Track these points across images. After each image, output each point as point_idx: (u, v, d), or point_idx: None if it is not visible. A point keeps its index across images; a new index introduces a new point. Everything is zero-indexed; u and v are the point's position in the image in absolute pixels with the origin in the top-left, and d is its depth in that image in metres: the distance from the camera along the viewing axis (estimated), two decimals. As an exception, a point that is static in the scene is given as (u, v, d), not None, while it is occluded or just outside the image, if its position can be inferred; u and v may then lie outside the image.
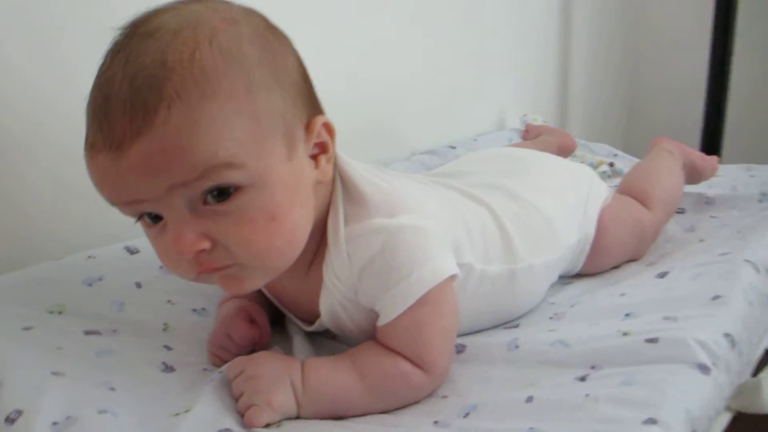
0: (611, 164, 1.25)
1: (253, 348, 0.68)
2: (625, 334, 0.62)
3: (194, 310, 0.75)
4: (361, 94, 1.18)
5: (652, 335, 0.60)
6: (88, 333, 0.68)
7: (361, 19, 1.19)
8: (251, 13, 0.56)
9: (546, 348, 0.64)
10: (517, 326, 0.72)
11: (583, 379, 0.58)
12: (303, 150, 0.57)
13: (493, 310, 0.72)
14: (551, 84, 1.62)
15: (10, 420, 0.54)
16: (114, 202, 0.54)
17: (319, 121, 0.58)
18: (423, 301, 0.59)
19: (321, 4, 1.09)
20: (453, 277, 0.62)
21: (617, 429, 0.49)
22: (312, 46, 0.60)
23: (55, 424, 0.53)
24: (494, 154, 1.00)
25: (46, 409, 0.54)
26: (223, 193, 0.52)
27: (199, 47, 0.50)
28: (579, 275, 0.85)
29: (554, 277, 0.80)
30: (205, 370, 0.66)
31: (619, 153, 1.34)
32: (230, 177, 0.51)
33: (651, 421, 0.49)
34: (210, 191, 0.51)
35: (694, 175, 1.01)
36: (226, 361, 0.64)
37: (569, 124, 1.66)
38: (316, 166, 0.58)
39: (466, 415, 0.57)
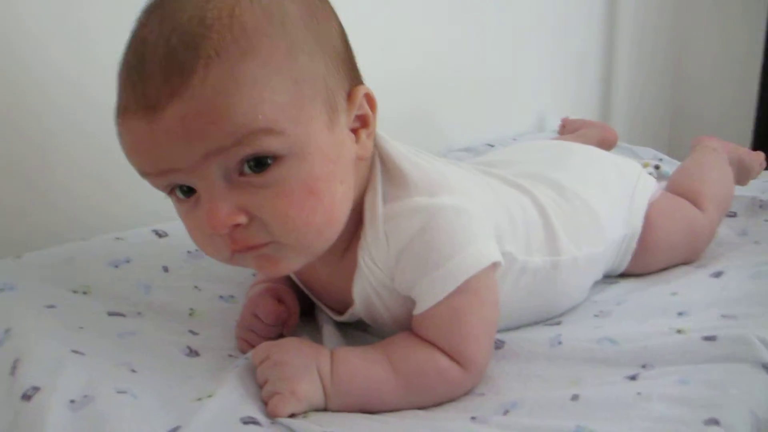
0: (657, 167, 1.20)
1: (281, 333, 0.65)
2: (679, 331, 0.58)
3: (221, 296, 0.73)
4: (400, 85, 1.16)
5: (710, 333, 0.55)
6: (111, 314, 0.66)
7: (403, 10, 1.17)
8: None
9: (592, 345, 0.60)
10: (559, 323, 0.68)
11: (633, 377, 0.54)
12: (344, 121, 0.53)
13: (533, 305, 0.68)
14: (593, 86, 1.58)
15: (26, 396, 0.52)
16: (146, 171, 0.51)
17: (361, 91, 0.54)
18: (463, 289, 0.55)
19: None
20: (496, 265, 0.58)
21: (674, 429, 0.45)
22: (351, 34, 0.57)
23: (72, 402, 0.51)
24: (538, 144, 0.96)
25: (64, 387, 0.52)
26: (260, 164, 0.49)
27: (239, 3, 0.48)
28: (625, 275, 0.80)
29: (598, 275, 0.75)
30: (230, 356, 0.63)
31: (665, 157, 1.28)
32: (269, 144, 0.48)
33: (713, 422, 0.45)
34: (247, 160, 0.48)
35: (741, 172, 0.96)
36: (253, 347, 0.61)
37: (612, 125, 1.61)
38: (357, 140, 0.55)
39: (506, 412, 0.53)
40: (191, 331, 0.66)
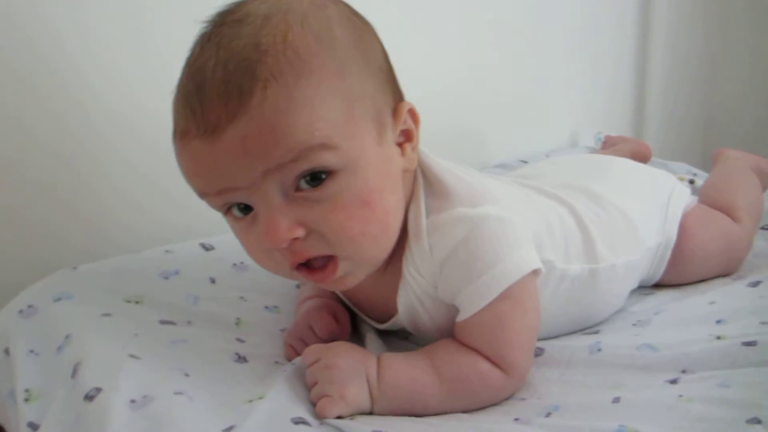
0: (692, 181, 1.20)
1: None
2: (719, 338, 0.59)
3: (266, 307, 0.75)
4: (435, 103, 1.17)
5: (750, 339, 0.56)
6: (163, 322, 0.69)
7: (439, 30, 1.19)
8: (336, 0, 0.57)
9: (632, 352, 0.60)
10: (597, 332, 0.69)
11: (674, 381, 0.55)
12: (391, 136, 0.56)
13: (571, 311, 0.69)
14: (625, 102, 1.58)
15: (89, 397, 0.55)
16: (205, 192, 0.53)
17: (405, 107, 0.57)
18: (506, 296, 0.56)
19: (396, 9, 1.10)
20: (537, 272, 0.60)
21: (717, 428, 0.46)
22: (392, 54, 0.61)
23: (132, 401, 0.53)
24: (573, 158, 0.98)
25: (124, 387, 0.55)
26: (315, 179, 0.51)
27: (291, 30, 0.51)
28: (661, 286, 0.80)
29: (634, 283, 0.76)
30: (276, 362, 0.65)
31: (699, 172, 1.28)
32: (325, 159, 0.50)
33: (755, 421, 0.45)
34: (303, 176, 0.51)
35: (763, 179, 0.96)
36: (299, 354, 0.63)
37: (644, 140, 1.61)
38: (402, 153, 0.57)
39: (548, 414, 0.54)
40: (238, 339, 0.68)
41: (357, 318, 0.73)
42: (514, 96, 1.35)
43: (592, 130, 1.41)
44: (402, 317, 0.64)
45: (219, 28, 0.53)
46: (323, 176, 0.51)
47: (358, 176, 0.52)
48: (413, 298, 0.61)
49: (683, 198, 0.82)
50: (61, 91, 0.85)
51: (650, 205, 0.78)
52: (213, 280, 0.78)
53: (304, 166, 0.50)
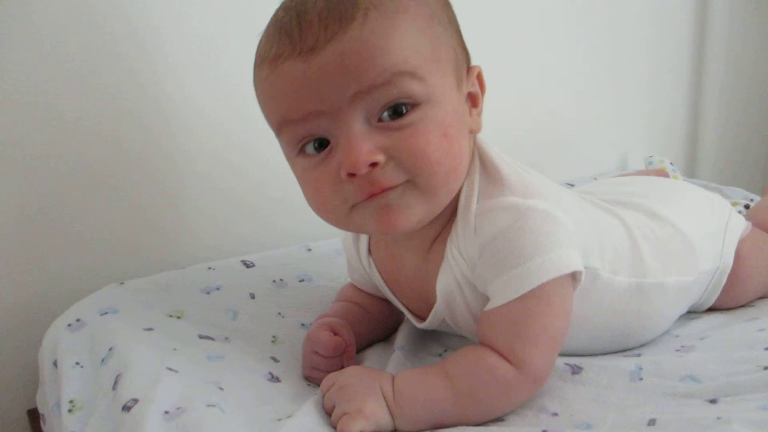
0: (747, 206, 1.16)
1: (341, 365, 0.66)
2: (766, 368, 0.56)
3: (303, 324, 0.76)
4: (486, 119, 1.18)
5: (799, 369, 0.53)
6: (202, 337, 0.70)
7: (491, 50, 1.19)
8: None
9: (674, 383, 0.58)
10: (639, 355, 0.66)
11: (713, 401, 0.53)
12: (464, 91, 0.59)
13: (615, 326, 0.67)
14: (680, 124, 1.54)
15: (126, 408, 0.56)
16: (288, 118, 0.54)
17: (476, 69, 0.61)
18: (537, 293, 0.55)
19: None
20: (576, 276, 0.58)
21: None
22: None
23: (166, 413, 0.55)
24: (628, 178, 0.96)
25: (159, 399, 0.56)
26: (396, 113, 0.53)
27: None
28: (709, 310, 0.78)
29: (684, 307, 0.74)
30: (309, 384, 0.66)
31: (756, 197, 1.24)
32: (412, 88, 0.53)
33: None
34: (388, 107, 0.53)
35: None
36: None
37: (700, 166, 1.56)
38: (469, 114, 0.59)
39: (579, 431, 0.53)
40: (273, 358, 0.69)
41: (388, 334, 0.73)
42: (561, 117, 1.34)
43: (643, 154, 1.38)
44: (440, 306, 0.63)
45: None
46: (405, 110, 0.53)
47: (439, 109, 0.54)
48: (452, 281, 0.61)
49: (740, 224, 0.80)
50: (144, 99, 0.89)
51: (710, 229, 0.76)
52: (252, 296, 0.79)
53: (393, 93, 0.52)
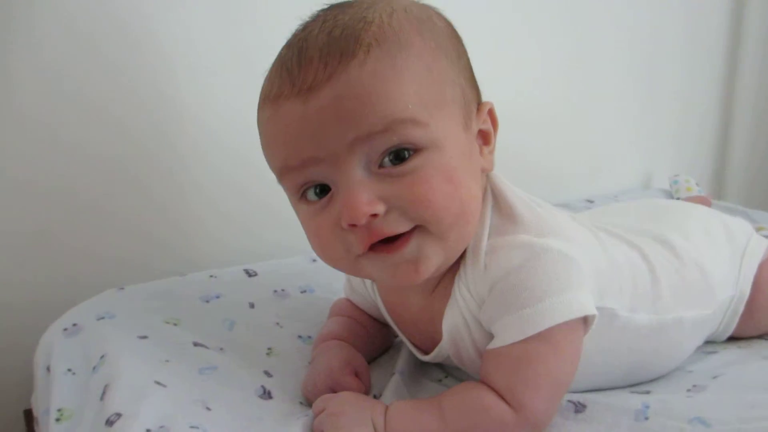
0: (774, 232, 1.12)
1: None
2: (780, 416, 0.53)
3: (300, 336, 0.74)
4: (503, 133, 1.15)
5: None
6: (196, 345, 0.69)
7: (513, 61, 1.18)
8: (429, 6, 0.58)
9: (682, 425, 0.54)
10: (648, 392, 0.63)
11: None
12: (474, 130, 0.56)
13: (631, 362, 0.64)
14: (709, 143, 1.50)
15: (110, 422, 0.55)
16: (287, 164, 0.53)
17: (487, 105, 0.58)
18: (544, 336, 0.53)
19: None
20: (588, 322, 0.55)
21: None
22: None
23: (148, 431, 0.53)
24: (643, 203, 0.93)
25: (143, 416, 0.54)
26: (398, 158, 0.51)
27: (395, 12, 0.53)
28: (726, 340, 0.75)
29: (700, 340, 0.71)
30: (301, 403, 0.64)
31: (785, 222, 1.19)
32: (413, 135, 0.50)
33: None
34: (388, 152, 0.51)
35: None
36: None
37: (727, 187, 1.52)
38: (480, 153, 0.57)
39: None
40: (266, 372, 0.67)
41: (390, 353, 0.71)
42: (587, 133, 1.31)
43: (668, 172, 1.34)
44: (446, 344, 0.61)
45: (325, 12, 0.55)
46: (407, 155, 0.51)
47: (443, 154, 0.52)
48: (459, 319, 0.58)
49: (759, 250, 0.76)
50: (161, 100, 0.90)
51: (725, 256, 0.73)
52: (252, 305, 0.78)
53: (394, 139, 0.50)
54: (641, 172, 1.41)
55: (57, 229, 0.87)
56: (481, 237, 0.56)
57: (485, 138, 0.58)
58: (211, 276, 0.83)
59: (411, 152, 0.51)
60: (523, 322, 0.53)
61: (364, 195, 0.50)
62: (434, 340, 0.62)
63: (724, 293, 0.70)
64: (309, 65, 0.50)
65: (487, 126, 0.58)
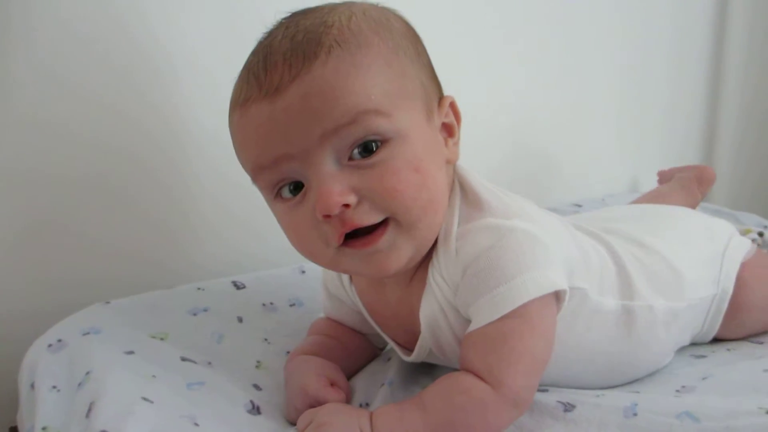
0: (761, 234, 1.12)
1: None
2: (768, 412, 0.53)
3: (288, 352, 0.73)
4: (492, 137, 1.16)
5: (804, 416, 0.50)
6: (184, 360, 0.68)
7: (498, 68, 1.19)
8: (388, 8, 0.61)
9: (670, 420, 0.55)
10: (637, 392, 0.64)
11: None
12: (436, 123, 0.58)
13: (608, 353, 0.65)
14: (695, 146, 1.51)
15: (95, 439, 0.54)
16: (259, 163, 0.55)
17: (448, 99, 0.60)
18: (518, 313, 0.54)
19: (455, 47, 1.09)
20: (559, 296, 0.57)
21: None
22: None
23: (134, 447, 0.52)
24: (621, 208, 0.95)
25: (129, 432, 0.53)
26: (366, 150, 0.53)
27: (354, 15, 0.56)
28: (715, 340, 0.75)
29: (683, 337, 0.71)
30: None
31: (771, 223, 1.20)
32: (378, 125, 0.52)
33: None
34: (356, 145, 0.53)
35: None
36: None
37: (714, 191, 1.51)
38: (445, 145, 0.59)
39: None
40: (255, 386, 0.67)
41: (377, 361, 0.71)
42: (573, 136, 1.32)
43: (654, 175, 1.35)
44: (425, 336, 0.61)
45: (287, 19, 0.57)
46: (374, 147, 0.53)
47: (409, 144, 0.54)
48: (436, 307, 0.59)
49: (742, 249, 0.77)
50: (154, 112, 0.89)
51: (703, 255, 0.74)
52: (240, 319, 0.77)
53: (360, 131, 0.52)
54: (628, 175, 1.42)
55: (43, 239, 0.86)
56: (451, 225, 0.58)
57: (449, 131, 0.60)
58: (198, 288, 0.82)
59: (378, 144, 0.53)
60: (496, 301, 0.54)
61: (336, 186, 0.52)
62: (415, 335, 0.62)
63: (705, 291, 0.71)
64: (274, 69, 0.52)
65: (450, 119, 0.60)
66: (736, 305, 0.73)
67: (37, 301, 0.85)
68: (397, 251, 0.55)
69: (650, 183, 1.35)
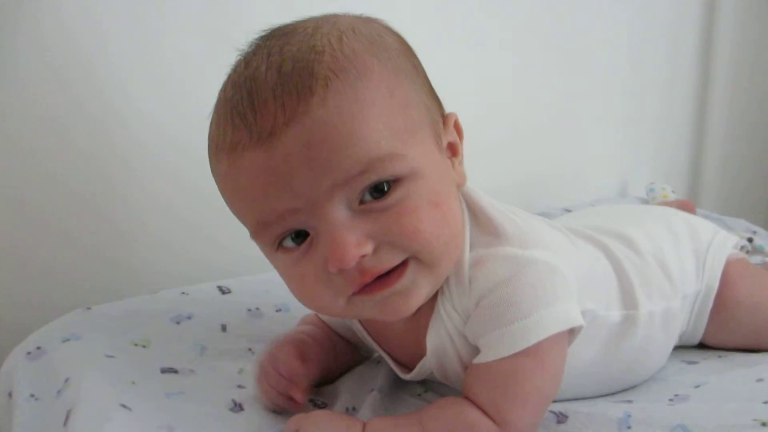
0: (750, 239, 1.12)
1: (292, 386, 0.61)
2: (764, 424, 0.52)
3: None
4: (481, 144, 1.15)
5: (799, 428, 0.49)
6: (165, 371, 0.66)
7: (488, 71, 1.18)
8: (372, 18, 0.55)
9: (664, 433, 0.54)
10: (630, 402, 0.63)
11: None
12: (443, 146, 0.54)
13: (608, 364, 0.63)
14: (684, 152, 1.50)
15: (72, 448, 0.52)
16: (262, 219, 0.49)
17: (452, 118, 0.55)
18: (532, 351, 0.51)
19: (447, 54, 1.08)
20: (574, 332, 0.55)
21: None
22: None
23: (111, 457, 0.51)
24: (608, 207, 0.95)
25: (106, 440, 0.52)
26: (378, 189, 0.48)
27: (344, 34, 0.49)
28: (706, 347, 0.74)
29: (674, 338, 0.70)
30: (274, 411, 0.62)
31: (759, 230, 1.20)
32: (393, 168, 0.47)
33: None
34: (368, 188, 0.48)
35: None
36: (265, 394, 0.60)
37: (702, 196, 1.52)
38: (452, 166, 0.55)
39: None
40: (239, 386, 0.65)
41: (366, 366, 0.69)
42: (562, 142, 1.31)
43: (644, 181, 1.35)
44: (430, 359, 0.59)
45: (265, 41, 0.50)
46: (386, 187, 0.48)
47: (424, 180, 0.49)
48: (444, 337, 0.56)
49: (726, 246, 0.76)
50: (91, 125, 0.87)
51: (686, 250, 0.72)
52: (224, 328, 0.75)
53: (373, 177, 0.47)
54: (618, 180, 1.41)
55: (21, 247, 0.85)
56: (462, 252, 0.54)
57: (453, 150, 0.56)
58: (183, 293, 0.81)
59: (391, 183, 0.48)
60: (510, 337, 0.51)
61: (351, 236, 0.47)
62: (418, 357, 0.60)
63: (689, 287, 0.70)
64: (264, 108, 0.46)
65: (454, 137, 0.56)
66: (722, 304, 0.72)
67: (14, 312, 0.84)
68: (417, 290, 0.51)
69: (639, 189, 1.35)
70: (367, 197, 0.48)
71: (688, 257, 0.72)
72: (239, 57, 0.51)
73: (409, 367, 0.62)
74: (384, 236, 0.48)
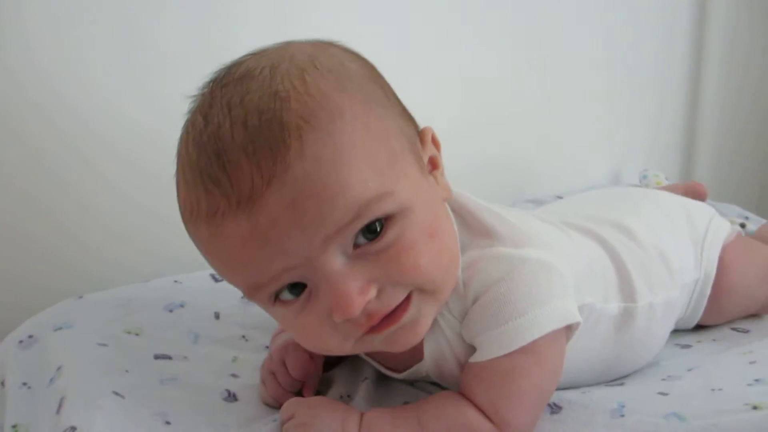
0: (743, 225, 1.12)
1: (301, 386, 0.61)
2: (755, 407, 0.52)
3: (267, 347, 0.71)
4: (474, 129, 1.15)
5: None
6: (158, 357, 0.66)
7: (478, 60, 1.17)
8: (333, 42, 0.52)
9: (657, 420, 0.54)
10: (622, 384, 0.63)
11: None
12: (425, 164, 0.52)
13: (606, 356, 0.63)
14: (674, 138, 1.51)
15: (64, 436, 0.52)
16: (256, 284, 0.47)
17: (428, 133, 0.53)
18: (529, 349, 0.51)
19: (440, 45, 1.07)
20: (572, 328, 0.55)
21: None
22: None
23: (103, 443, 0.51)
24: (603, 191, 0.94)
25: (98, 429, 0.52)
26: (371, 230, 0.46)
27: (305, 72, 0.46)
28: (700, 327, 0.75)
29: (671, 324, 0.70)
30: (267, 404, 0.62)
31: (751, 215, 1.20)
32: (383, 209, 0.46)
33: None
34: (360, 231, 0.46)
35: None
36: (274, 397, 0.60)
37: (696, 180, 1.53)
38: (436, 182, 0.53)
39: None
40: (233, 375, 0.65)
41: (357, 359, 0.69)
42: (555, 128, 1.31)
43: (637, 167, 1.35)
44: (427, 364, 0.58)
45: (221, 90, 0.47)
46: (378, 227, 0.46)
47: (415, 213, 0.47)
48: (442, 341, 0.56)
49: (722, 232, 0.76)
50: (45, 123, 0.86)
51: (684, 239, 0.72)
52: (217, 316, 0.75)
53: (365, 221, 0.45)
54: (611, 167, 1.42)
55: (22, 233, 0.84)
56: None
57: (434, 164, 0.54)
58: (175, 281, 0.80)
59: (383, 221, 0.46)
60: (506, 336, 0.51)
61: (353, 285, 0.46)
62: (412, 360, 0.59)
63: (688, 276, 0.70)
64: (238, 171, 0.43)
65: (433, 151, 0.54)
66: (719, 288, 0.72)
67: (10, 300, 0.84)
68: (423, 319, 0.50)
69: (632, 177, 1.35)
70: (361, 239, 0.46)
71: (686, 245, 0.72)
72: (192, 108, 0.48)
73: (398, 370, 0.62)
74: (385, 278, 0.47)
